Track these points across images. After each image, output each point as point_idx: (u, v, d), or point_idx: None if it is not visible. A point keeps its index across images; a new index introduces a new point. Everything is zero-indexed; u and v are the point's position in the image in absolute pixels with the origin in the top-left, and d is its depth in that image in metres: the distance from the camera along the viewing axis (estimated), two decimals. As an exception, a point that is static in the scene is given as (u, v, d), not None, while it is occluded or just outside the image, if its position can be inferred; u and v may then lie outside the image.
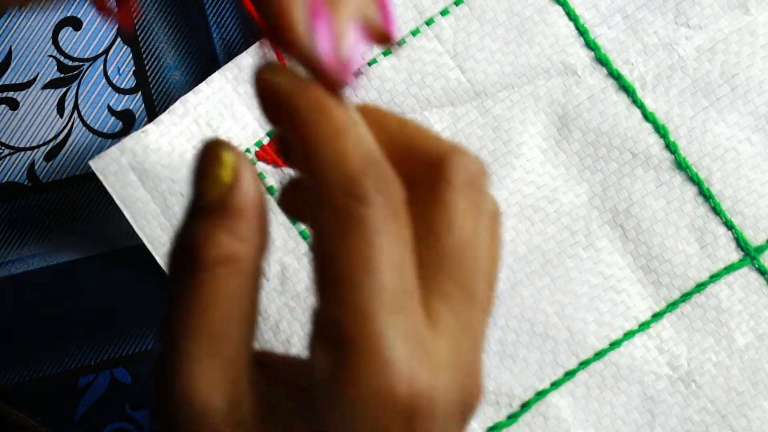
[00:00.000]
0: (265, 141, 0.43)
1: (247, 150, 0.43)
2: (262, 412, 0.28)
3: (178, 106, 0.43)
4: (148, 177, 0.43)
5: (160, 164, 0.43)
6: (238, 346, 0.28)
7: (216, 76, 0.43)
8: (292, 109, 0.27)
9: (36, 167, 0.44)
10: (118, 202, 0.43)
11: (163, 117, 0.43)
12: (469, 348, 0.29)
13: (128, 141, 0.43)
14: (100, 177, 0.43)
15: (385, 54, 0.43)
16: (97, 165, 0.43)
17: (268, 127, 0.44)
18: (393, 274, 0.27)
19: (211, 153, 0.28)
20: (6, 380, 0.44)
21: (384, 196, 0.27)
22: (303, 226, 0.43)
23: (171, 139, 0.43)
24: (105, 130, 0.44)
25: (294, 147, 0.28)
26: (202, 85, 0.43)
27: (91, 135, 0.44)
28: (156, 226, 0.43)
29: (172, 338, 0.28)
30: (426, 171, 0.29)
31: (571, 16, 0.44)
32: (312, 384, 0.27)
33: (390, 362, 0.26)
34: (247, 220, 0.28)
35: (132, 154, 0.43)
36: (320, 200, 0.27)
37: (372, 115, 0.30)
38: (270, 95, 0.28)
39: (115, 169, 0.43)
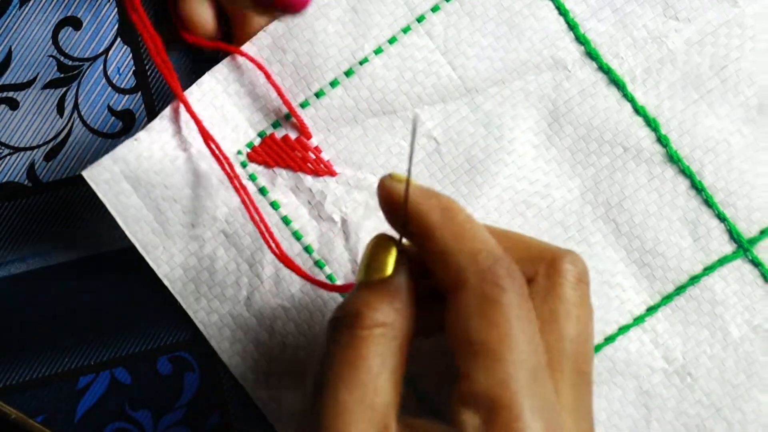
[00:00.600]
0: (257, 142, 0.43)
1: (239, 152, 0.43)
2: None
3: (168, 112, 0.43)
4: (140, 184, 0.43)
5: (153, 171, 0.43)
6: (386, 400, 0.33)
7: (206, 78, 0.43)
8: (422, 213, 0.34)
9: (36, 167, 0.44)
10: (111, 210, 0.43)
11: (154, 123, 0.43)
12: (588, 424, 0.34)
13: (120, 150, 0.43)
14: (93, 187, 0.43)
15: (376, 52, 0.43)
16: (89, 175, 0.43)
17: (259, 128, 0.43)
18: (529, 350, 0.32)
19: (380, 245, 0.36)
20: (6, 380, 0.44)
21: (515, 283, 0.33)
22: (296, 227, 0.43)
23: (162, 145, 0.43)
24: (105, 130, 0.44)
25: (421, 240, 0.35)
26: (193, 88, 0.43)
27: (91, 135, 0.44)
28: (148, 232, 0.43)
29: (327, 385, 0.33)
30: (534, 269, 0.35)
31: (561, 10, 0.44)
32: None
33: (528, 429, 0.31)
34: (401, 298, 0.34)
35: (124, 162, 0.43)
36: (457, 285, 0.33)
37: (505, 234, 0.36)
38: (395, 201, 0.35)
39: (107, 177, 0.43)
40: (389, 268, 0.35)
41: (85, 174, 0.43)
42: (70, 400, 0.44)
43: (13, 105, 0.44)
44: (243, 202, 0.42)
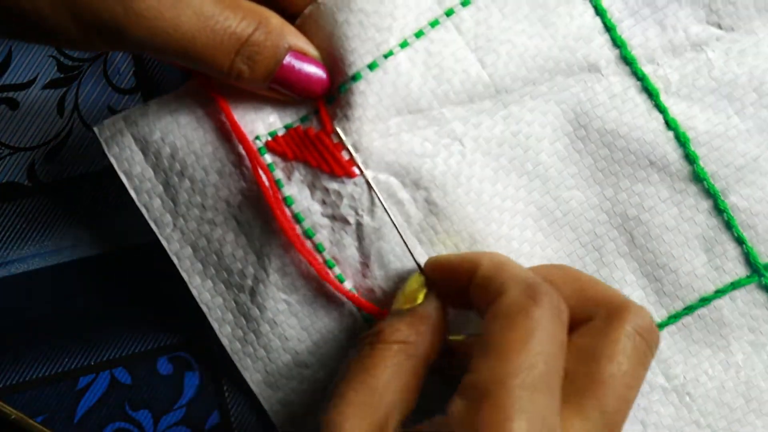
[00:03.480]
0: (281, 133, 0.42)
1: (257, 137, 0.42)
2: None
3: (189, 86, 0.42)
4: (150, 152, 0.42)
5: (164, 141, 0.42)
6: (389, 410, 0.35)
7: None
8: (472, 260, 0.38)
9: (36, 167, 0.44)
10: (120, 174, 0.42)
11: (172, 95, 0.42)
12: None
13: (133, 113, 0.42)
14: (104, 145, 0.42)
15: (401, 46, 0.41)
16: (102, 133, 0.42)
17: (286, 120, 0.42)
18: (541, 361, 0.33)
19: (415, 280, 0.39)
20: (6, 380, 0.44)
21: (551, 303, 0.34)
22: (308, 225, 0.43)
23: (177, 118, 0.42)
24: (105, 131, 0.44)
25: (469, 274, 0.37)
26: None
27: (91, 135, 0.44)
28: (159, 205, 0.42)
29: (340, 384, 0.36)
30: (598, 313, 0.36)
31: (599, 9, 0.42)
32: (444, 426, 0.33)
33: (511, 424, 0.31)
34: (425, 323, 0.37)
35: (136, 126, 0.41)
36: (497, 296, 0.35)
37: (561, 270, 0.39)
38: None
39: (119, 139, 0.42)
40: (419, 299, 0.39)
41: (97, 129, 0.42)
42: (70, 400, 0.44)
43: (13, 105, 0.43)
44: (265, 191, 0.41)
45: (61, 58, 0.43)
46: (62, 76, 0.43)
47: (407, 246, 0.41)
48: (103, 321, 0.44)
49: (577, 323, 0.36)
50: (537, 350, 0.33)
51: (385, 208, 0.41)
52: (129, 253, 0.44)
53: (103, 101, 0.44)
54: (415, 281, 0.39)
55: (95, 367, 0.44)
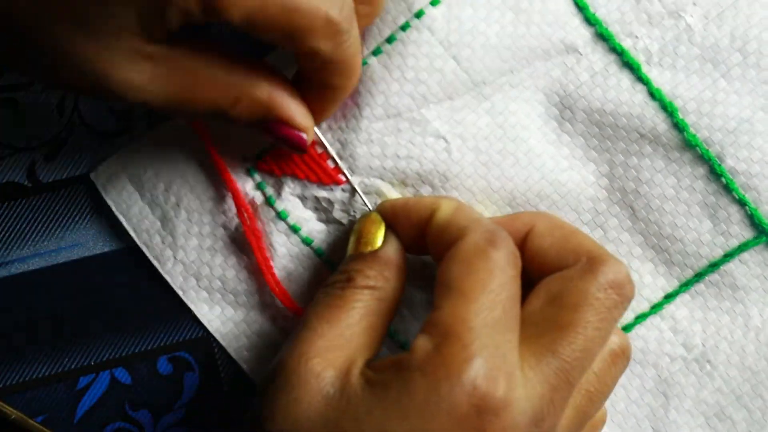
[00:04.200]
0: (268, 151, 0.43)
1: (245, 158, 0.43)
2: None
3: (175, 121, 0.43)
4: (146, 190, 0.43)
5: (158, 177, 0.43)
6: (356, 351, 0.36)
7: None
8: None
9: (36, 167, 0.44)
10: (120, 217, 0.44)
11: (162, 127, 0.43)
12: (548, 410, 0.34)
13: (125, 154, 0.43)
14: (102, 193, 0.43)
15: (374, 53, 0.42)
16: (97, 178, 0.43)
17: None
18: (501, 302, 0.34)
19: (372, 221, 0.40)
20: (6, 380, 0.44)
21: (508, 249, 0.36)
22: (305, 233, 0.43)
23: (168, 153, 0.43)
24: (105, 130, 0.44)
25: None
26: None
27: (91, 135, 0.44)
28: (159, 241, 0.43)
29: (309, 321, 0.37)
30: (576, 262, 0.37)
31: None
32: (409, 362, 0.34)
33: (473, 360, 0.33)
34: (390, 268, 0.38)
35: (132, 165, 0.43)
36: (457, 239, 0.36)
37: (546, 218, 0.39)
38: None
39: (115, 182, 0.43)
40: (378, 242, 0.39)
41: (93, 176, 0.43)
42: (70, 400, 0.44)
43: (13, 105, 0.44)
44: (243, 222, 0.43)
45: (61, 58, 0.45)
46: (62, 76, 0.45)
47: (361, 196, 0.42)
48: (103, 321, 0.44)
49: (554, 270, 0.37)
50: (497, 291, 0.34)
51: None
52: (129, 252, 0.44)
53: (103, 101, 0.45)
54: (371, 223, 0.40)
55: (95, 367, 0.44)
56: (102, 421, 0.44)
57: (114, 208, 0.44)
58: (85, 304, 0.44)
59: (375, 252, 0.39)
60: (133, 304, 0.44)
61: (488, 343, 0.33)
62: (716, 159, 0.42)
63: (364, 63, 0.42)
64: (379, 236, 0.39)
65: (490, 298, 0.34)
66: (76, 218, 0.44)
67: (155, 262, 0.43)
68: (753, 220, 0.42)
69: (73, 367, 0.44)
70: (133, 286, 0.44)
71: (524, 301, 0.36)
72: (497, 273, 0.35)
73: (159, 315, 0.44)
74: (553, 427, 0.35)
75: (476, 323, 0.33)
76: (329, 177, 0.42)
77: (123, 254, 0.44)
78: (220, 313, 0.44)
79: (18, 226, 0.44)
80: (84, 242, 0.44)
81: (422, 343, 0.34)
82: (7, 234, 0.44)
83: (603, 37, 0.42)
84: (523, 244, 0.38)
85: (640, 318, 0.43)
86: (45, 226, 0.44)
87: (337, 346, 0.36)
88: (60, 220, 0.44)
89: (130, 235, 0.44)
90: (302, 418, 0.34)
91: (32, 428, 0.43)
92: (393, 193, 0.43)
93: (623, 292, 0.36)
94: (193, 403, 0.44)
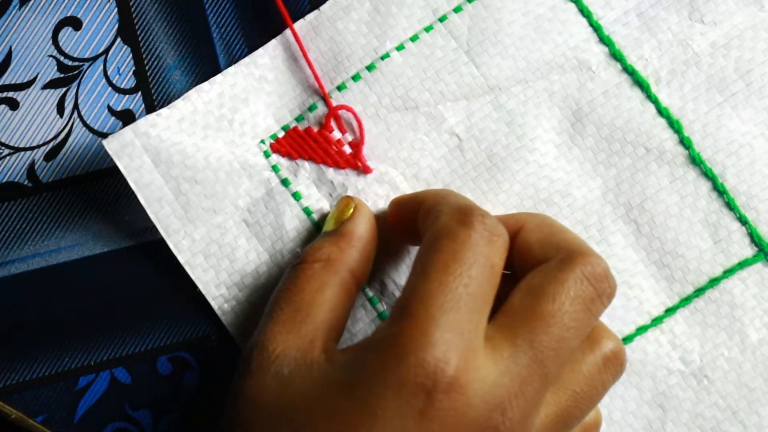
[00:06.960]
0: (281, 134, 0.44)
1: (262, 141, 0.44)
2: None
3: (192, 94, 0.43)
4: (161, 161, 0.43)
5: (174, 149, 0.43)
6: (316, 325, 0.37)
7: (232, 70, 0.44)
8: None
9: (36, 167, 0.44)
10: (131, 184, 0.43)
11: (178, 103, 0.43)
12: (517, 401, 0.33)
13: (142, 123, 0.43)
14: (114, 158, 0.43)
15: (398, 49, 0.44)
16: (110, 145, 0.43)
17: (283, 122, 0.44)
18: (463, 282, 0.34)
19: (343, 204, 0.41)
20: (6, 380, 0.44)
21: (483, 227, 0.35)
22: (317, 218, 0.44)
23: (185, 126, 0.43)
24: (105, 130, 0.44)
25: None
26: (218, 77, 0.43)
27: (91, 135, 0.44)
28: (170, 213, 0.43)
29: (268, 307, 0.38)
30: (556, 256, 0.36)
31: (584, 12, 0.44)
32: (367, 342, 0.34)
33: (424, 337, 0.32)
34: (348, 240, 0.39)
35: (146, 136, 0.43)
36: (432, 222, 0.36)
37: (537, 217, 0.39)
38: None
39: (129, 150, 0.43)
40: (344, 219, 0.41)
41: (106, 143, 0.43)
42: (70, 400, 0.44)
43: (13, 105, 0.44)
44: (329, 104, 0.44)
45: (61, 58, 0.44)
46: (62, 76, 0.44)
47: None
48: (103, 321, 0.44)
49: (538, 264, 0.37)
50: (458, 272, 0.34)
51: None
52: (129, 252, 0.44)
53: (103, 101, 0.44)
54: (342, 203, 0.41)
55: (95, 367, 0.44)
56: (102, 420, 0.43)
57: (126, 174, 0.43)
58: (85, 304, 0.44)
59: (335, 228, 0.40)
60: (133, 303, 0.44)
61: (443, 322, 0.33)
62: (718, 177, 0.44)
63: (386, 56, 0.44)
64: (347, 214, 0.40)
65: (451, 278, 0.33)
66: (76, 218, 0.44)
67: (163, 233, 0.43)
68: (752, 238, 0.44)
69: (73, 366, 0.44)
70: (134, 285, 0.44)
71: (509, 296, 0.36)
72: (463, 252, 0.34)
73: (159, 315, 0.44)
74: (524, 420, 0.34)
75: (433, 302, 0.33)
76: (346, 162, 0.44)
77: (123, 254, 0.44)
78: (225, 292, 0.44)
79: (18, 226, 0.44)
80: (84, 242, 0.44)
81: (382, 325, 0.35)
82: (7, 234, 0.44)
83: (616, 57, 0.44)
84: (513, 240, 0.38)
85: (641, 330, 0.44)
86: (45, 226, 0.44)
87: (294, 327, 0.36)
88: (60, 220, 0.44)
89: (130, 236, 0.44)
90: (259, 403, 0.35)
91: (32, 428, 0.43)
92: (404, 186, 0.44)
93: (601, 286, 0.36)
94: (193, 403, 0.44)
